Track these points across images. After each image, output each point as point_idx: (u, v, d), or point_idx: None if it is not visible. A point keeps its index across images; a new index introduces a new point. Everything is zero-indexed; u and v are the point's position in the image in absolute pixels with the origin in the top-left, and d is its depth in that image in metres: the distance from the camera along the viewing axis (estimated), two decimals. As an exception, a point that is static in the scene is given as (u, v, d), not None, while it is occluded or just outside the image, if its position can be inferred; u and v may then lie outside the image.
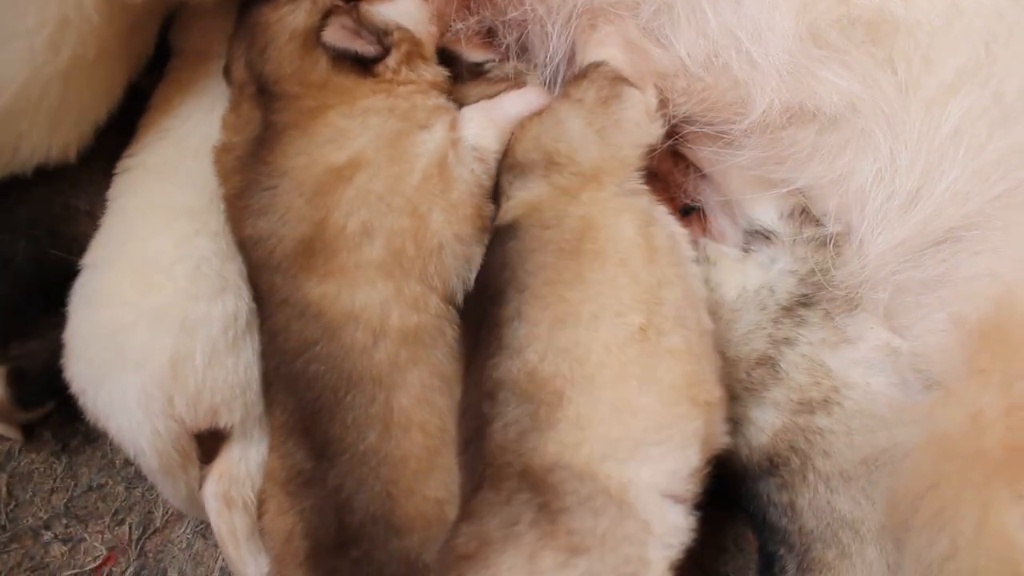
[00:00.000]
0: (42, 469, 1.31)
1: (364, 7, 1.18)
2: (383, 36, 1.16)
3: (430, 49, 1.21)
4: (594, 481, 0.93)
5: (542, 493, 0.93)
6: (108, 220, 1.21)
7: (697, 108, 1.15)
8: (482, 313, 1.06)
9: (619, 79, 1.13)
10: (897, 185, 1.10)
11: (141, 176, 1.23)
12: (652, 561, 0.91)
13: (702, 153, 1.23)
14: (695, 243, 1.19)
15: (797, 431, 1.12)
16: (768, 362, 1.14)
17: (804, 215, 1.20)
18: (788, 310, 1.16)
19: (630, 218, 1.08)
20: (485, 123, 1.17)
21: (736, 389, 1.14)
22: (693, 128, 1.18)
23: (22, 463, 1.31)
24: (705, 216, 1.30)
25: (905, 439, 1.03)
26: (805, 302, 1.16)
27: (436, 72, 1.20)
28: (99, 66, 1.19)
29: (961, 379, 0.99)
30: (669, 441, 0.97)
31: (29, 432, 1.31)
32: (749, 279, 1.19)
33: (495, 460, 0.96)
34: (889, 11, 1.07)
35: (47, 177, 1.21)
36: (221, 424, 1.14)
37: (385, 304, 1.06)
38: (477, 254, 1.12)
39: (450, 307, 1.11)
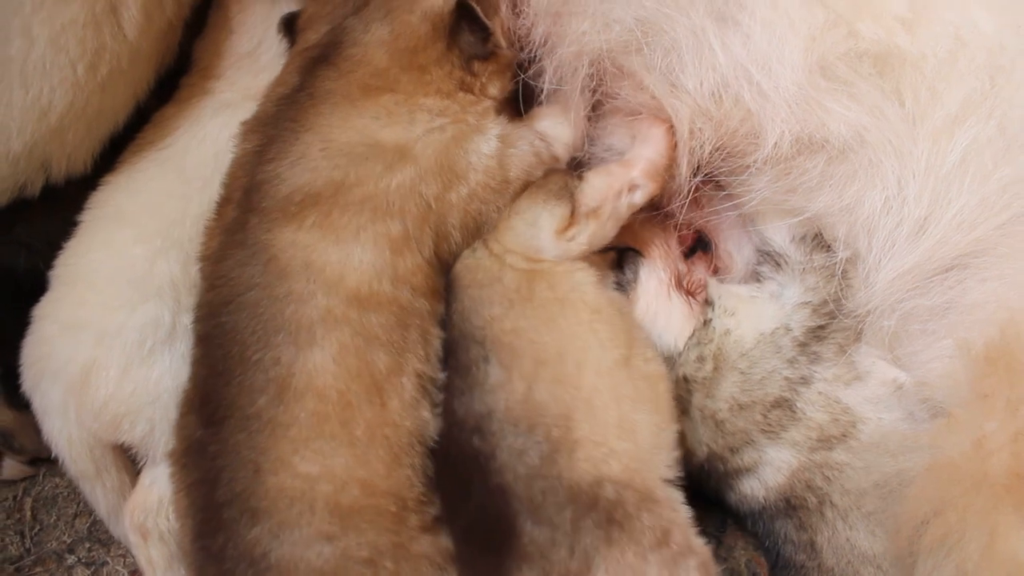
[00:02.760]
0: (65, 494, 1.34)
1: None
2: (496, 43, 1.21)
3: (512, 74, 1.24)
4: (633, 488, 1.02)
5: (602, 510, 1.00)
6: (74, 234, 1.25)
7: (714, 141, 1.17)
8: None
9: (568, 192, 1.17)
10: (905, 213, 1.11)
11: (107, 189, 1.27)
12: (688, 530, 1.03)
13: (717, 185, 1.26)
14: (705, 288, 1.25)
15: (815, 469, 1.14)
16: (784, 404, 1.16)
17: (815, 240, 1.21)
18: (803, 346, 1.18)
19: (585, 276, 1.15)
20: (560, 117, 1.22)
21: (752, 432, 1.16)
22: (709, 162, 1.20)
23: (46, 487, 1.35)
24: (714, 248, 1.32)
25: (910, 466, 1.05)
26: (819, 335, 1.18)
27: (503, 89, 1.23)
28: (131, 71, 1.24)
29: (965, 405, 1.01)
30: (665, 446, 1.09)
31: (52, 458, 1.32)
32: (765, 322, 1.20)
33: (526, 492, 1.01)
34: (895, 44, 1.09)
35: (49, 192, 1.25)
36: (123, 438, 1.17)
37: (360, 267, 1.06)
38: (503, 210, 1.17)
39: (437, 277, 1.13)
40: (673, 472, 1.08)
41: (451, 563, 1.05)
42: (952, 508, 0.94)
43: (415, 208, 1.10)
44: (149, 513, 1.18)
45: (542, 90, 1.24)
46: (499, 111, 1.21)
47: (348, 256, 1.06)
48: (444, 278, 1.14)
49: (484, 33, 1.17)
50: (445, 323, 1.14)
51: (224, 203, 1.15)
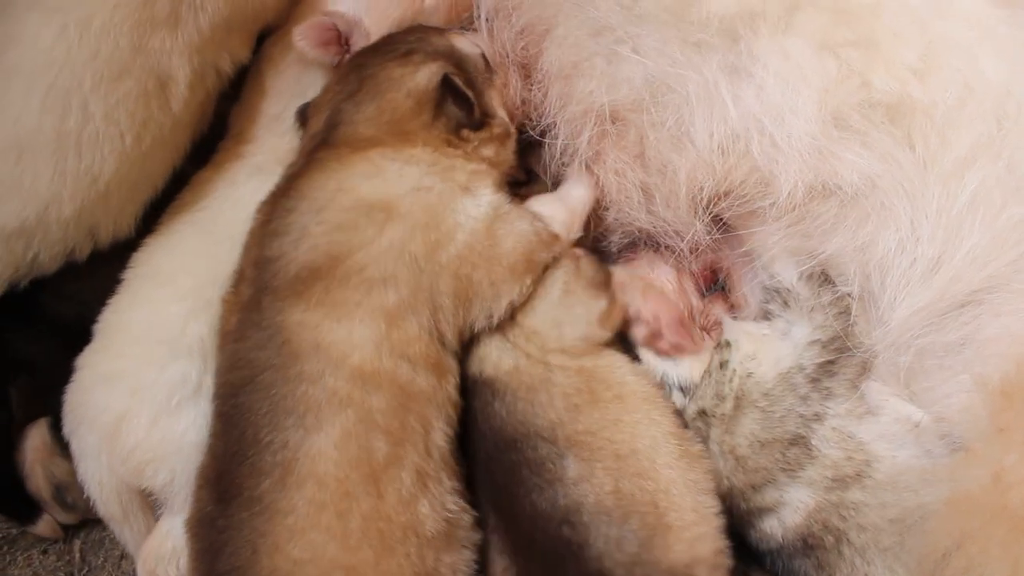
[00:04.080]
0: (112, 537, 1.37)
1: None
2: (486, 112, 1.26)
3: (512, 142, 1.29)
4: (718, 567, 1.12)
5: None
6: (117, 291, 1.30)
7: (714, 188, 1.21)
8: (486, 457, 1.18)
9: (605, 284, 1.25)
10: (919, 253, 1.15)
11: (147, 249, 1.32)
12: None
13: (732, 234, 1.30)
14: (719, 326, 1.30)
15: (831, 509, 1.16)
16: (800, 441, 1.19)
17: (822, 277, 1.24)
18: (815, 382, 1.21)
19: (620, 362, 1.22)
20: (555, 203, 1.27)
21: (773, 471, 1.19)
22: (723, 206, 1.24)
23: (94, 531, 1.39)
24: (729, 288, 1.36)
25: (931, 500, 1.08)
26: (830, 370, 1.21)
27: (501, 155, 1.27)
28: (171, 139, 1.31)
29: (984, 439, 1.04)
30: (721, 525, 1.15)
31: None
32: (783, 361, 1.23)
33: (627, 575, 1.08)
34: (907, 94, 1.13)
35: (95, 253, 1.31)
36: (145, 483, 1.22)
37: (361, 344, 1.09)
38: (509, 294, 1.19)
39: (439, 349, 1.15)
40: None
41: None
42: (973, 541, 0.96)
43: (406, 271, 1.13)
44: (161, 561, 1.24)
45: (557, 148, 1.29)
46: (498, 180, 1.25)
47: (350, 333, 1.10)
48: (448, 356, 1.17)
49: (468, 105, 1.21)
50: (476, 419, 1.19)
51: (239, 279, 1.20)
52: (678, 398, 1.26)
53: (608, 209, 1.31)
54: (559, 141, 1.29)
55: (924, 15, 1.14)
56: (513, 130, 1.28)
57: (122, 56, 1.20)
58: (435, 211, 1.16)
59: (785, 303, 1.26)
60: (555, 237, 1.23)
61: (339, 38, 1.33)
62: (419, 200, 1.16)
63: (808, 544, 1.17)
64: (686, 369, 1.28)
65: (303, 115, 1.31)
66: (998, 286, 1.13)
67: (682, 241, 1.30)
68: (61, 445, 1.30)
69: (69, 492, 1.35)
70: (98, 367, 1.25)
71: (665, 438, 1.16)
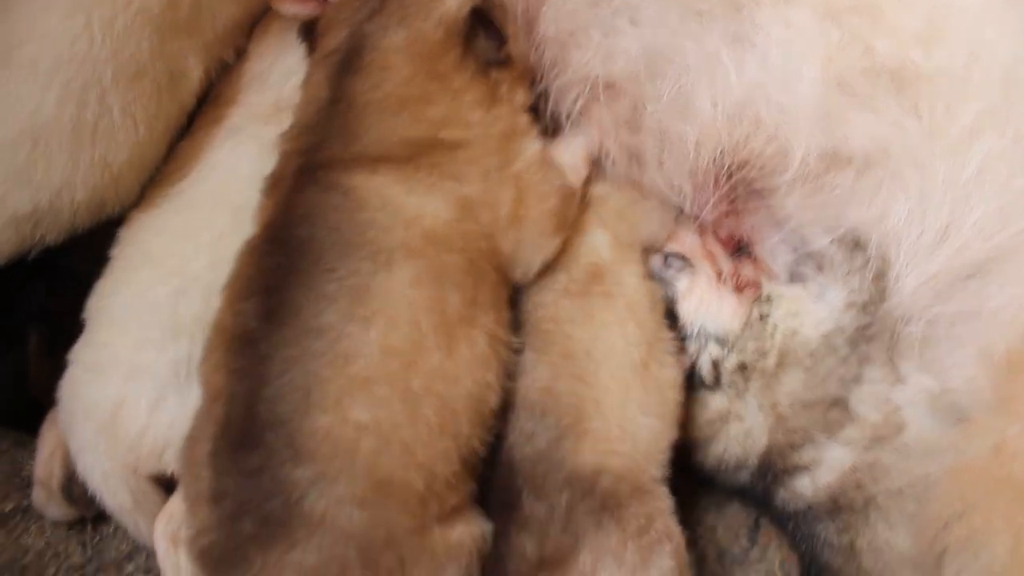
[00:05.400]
0: None
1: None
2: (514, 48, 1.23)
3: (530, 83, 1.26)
4: (628, 482, 1.09)
5: (597, 498, 1.07)
6: (104, 273, 1.28)
7: (738, 161, 1.21)
8: None
9: None
10: (927, 223, 1.14)
11: (131, 226, 1.30)
12: (668, 518, 1.10)
13: (752, 204, 1.29)
14: (753, 285, 1.29)
15: (865, 468, 1.16)
16: (840, 403, 1.18)
17: (855, 242, 1.23)
18: (854, 345, 1.20)
19: (634, 269, 1.22)
20: (565, 152, 1.27)
21: (812, 430, 1.18)
22: (740, 176, 1.24)
23: (105, 501, 1.40)
24: (754, 254, 1.34)
25: (935, 470, 1.07)
26: (867, 335, 1.20)
27: (527, 99, 1.24)
28: (177, 123, 1.33)
29: (987, 409, 1.04)
30: (662, 450, 1.15)
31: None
32: (823, 324, 1.22)
33: (530, 471, 1.08)
34: (911, 60, 1.12)
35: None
36: (165, 468, 1.19)
37: (434, 213, 1.07)
38: (544, 249, 1.18)
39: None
40: (664, 472, 1.13)
41: (456, 558, 1.01)
42: (975, 511, 0.96)
43: (476, 173, 1.12)
44: (182, 523, 1.18)
45: (547, 115, 1.28)
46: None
47: (423, 204, 1.07)
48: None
49: (499, 39, 1.18)
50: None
51: (276, 181, 1.13)
52: (715, 350, 1.25)
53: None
54: (549, 107, 1.28)
55: (928, -19, 1.13)
56: (528, 70, 1.26)
57: (142, 57, 1.22)
58: (502, 138, 1.16)
59: (819, 267, 1.25)
60: (574, 192, 1.23)
61: None
62: (491, 133, 1.15)
63: (838, 504, 1.17)
64: (726, 321, 1.26)
65: (307, 31, 1.25)
66: (1004, 256, 1.12)
67: (698, 208, 1.29)
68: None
69: (77, 485, 1.30)
70: (85, 359, 1.22)
71: (626, 349, 1.15)
